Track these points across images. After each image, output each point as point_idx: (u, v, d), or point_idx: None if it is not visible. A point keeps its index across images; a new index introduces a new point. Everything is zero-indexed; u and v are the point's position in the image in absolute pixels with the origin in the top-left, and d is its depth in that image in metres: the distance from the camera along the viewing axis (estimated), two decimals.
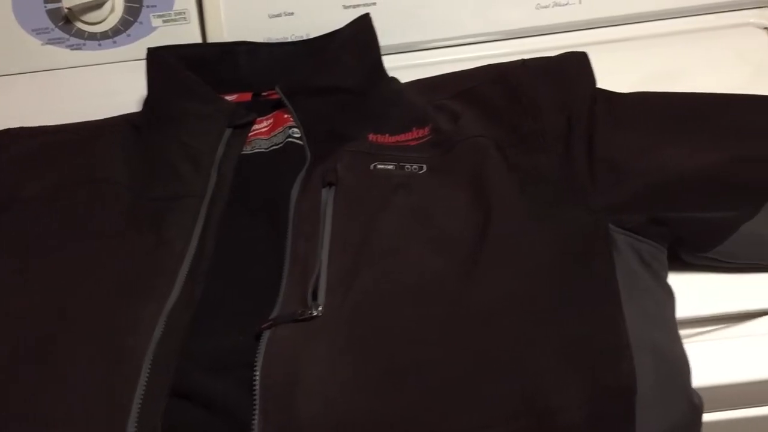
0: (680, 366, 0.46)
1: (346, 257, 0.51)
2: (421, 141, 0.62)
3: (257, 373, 0.45)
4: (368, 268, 0.50)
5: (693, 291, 0.52)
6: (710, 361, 0.47)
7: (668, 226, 0.52)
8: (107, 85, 0.77)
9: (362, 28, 0.68)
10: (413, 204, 0.55)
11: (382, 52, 0.75)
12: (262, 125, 0.68)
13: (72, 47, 0.77)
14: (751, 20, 0.78)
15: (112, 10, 0.76)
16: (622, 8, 0.77)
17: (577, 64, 0.63)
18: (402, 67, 0.75)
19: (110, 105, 0.71)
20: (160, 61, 0.66)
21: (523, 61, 0.65)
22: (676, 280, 0.52)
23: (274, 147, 0.64)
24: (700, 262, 0.53)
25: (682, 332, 0.50)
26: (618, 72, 0.74)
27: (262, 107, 0.69)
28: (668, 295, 0.50)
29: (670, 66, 0.75)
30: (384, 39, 0.75)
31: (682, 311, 0.50)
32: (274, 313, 0.49)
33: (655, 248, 0.51)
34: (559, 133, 0.58)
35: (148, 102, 0.66)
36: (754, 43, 0.76)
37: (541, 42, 0.77)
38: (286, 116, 0.66)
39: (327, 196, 0.57)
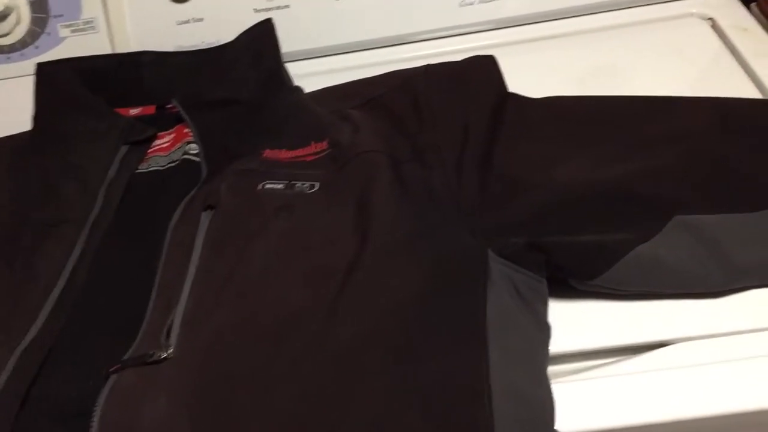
0: (543, 412, 0.42)
1: (208, 291, 0.48)
2: (318, 156, 0.58)
3: (93, 424, 0.42)
4: (229, 303, 0.47)
5: (585, 321, 0.48)
6: (587, 404, 0.43)
7: (547, 253, 0.47)
8: (15, 101, 0.73)
9: (261, 35, 0.64)
10: (291, 229, 0.51)
11: (296, 58, 0.72)
12: (163, 140, 0.64)
13: None
14: (694, 10, 0.73)
15: (18, 21, 0.73)
16: (554, 2, 0.73)
17: (481, 69, 0.59)
18: (317, 73, 0.71)
19: (18, 121, 0.68)
20: (47, 76, 0.63)
21: (426, 66, 0.61)
22: (563, 308, 0.48)
23: (171, 164, 0.61)
24: (589, 289, 0.48)
25: (566, 367, 0.46)
26: (551, 71, 0.70)
27: (167, 121, 0.65)
28: (542, 332, 0.46)
29: (609, 62, 0.70)
30: (297, 44, 0.72)
31: (567, 344, 0.46)
32: (127, 355, 0.46)
33: (531, 278, 0.47)
34: (455, 146, 0.54)
35: (35, 120, 0.63)
36: (697, 35, 0.71)
37: (466, 41, 0.73)
38: (186, 131, 0.63)
39: (205, 220, 0.53)
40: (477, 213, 0.50)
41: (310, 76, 0.70)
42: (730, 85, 0.65)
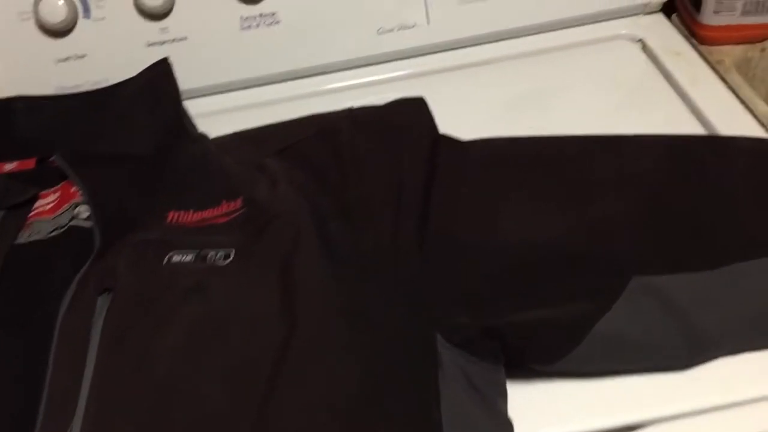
0: None
1: (109, 400, 0.40)
2: (232, 216, 0.51)
3: None
4: (134, 416, 0.39)
5: (545, 404, 0.43)
6: None
7: (503, 338, 0.42)
8: None
9: (158, 77, 0.56)
10: (205, 315, 0.44)
11: (198, 94, 0.65)
12: (47, 200, 0.55)
13: None
14: (623, 31, 0.69)
15: None
16: (478, 27, 0.68)
17: (411, 113, 0.53)
18: (224, 111, 0.65)
19: None
20: None
21: (350, 110, 0.54)
22: (521, 391, 0.43)
23: (57, 232, 0.52)
24: (549, 371, 0.43)
25: None
26: (476, 99, 0.65)
27: (50, 176, 0.56)
28: (503, 431, 0.41)
29: (536, 88, 0.66)
30: (199, 79, 0.64)
31: None
32: None
33: (488, 370, 0.42)
34: (388, 203, 0.48)
35: None
36: (628, 57, 0.68)
37: (386, 70, 0.67)
38: (73, 189, 0.54)
39: (102, 307, 0.45)
40: (417, 281, 0.44)
41: (215, 114, 0.63)
42: (664, 110, 0.62)
